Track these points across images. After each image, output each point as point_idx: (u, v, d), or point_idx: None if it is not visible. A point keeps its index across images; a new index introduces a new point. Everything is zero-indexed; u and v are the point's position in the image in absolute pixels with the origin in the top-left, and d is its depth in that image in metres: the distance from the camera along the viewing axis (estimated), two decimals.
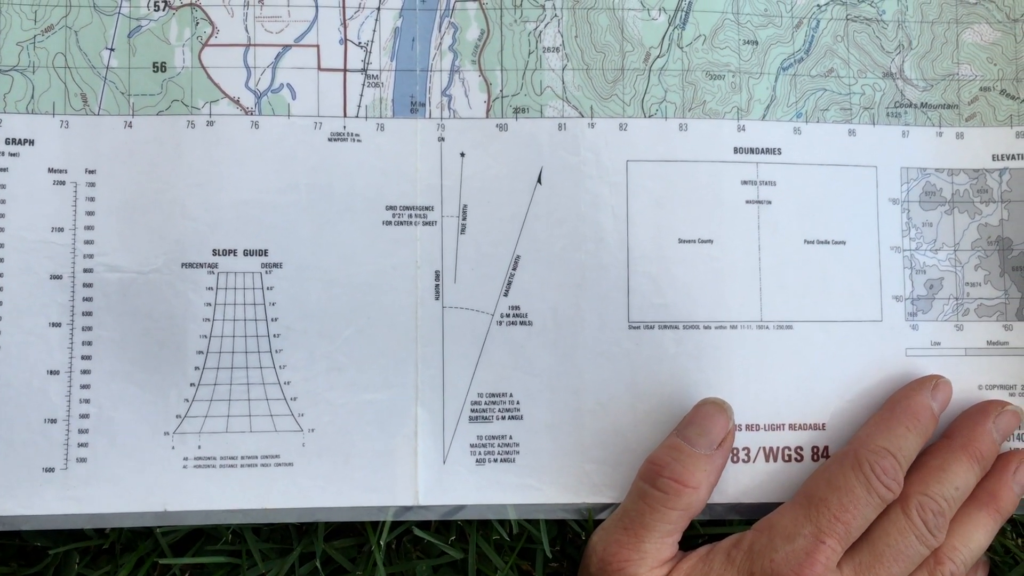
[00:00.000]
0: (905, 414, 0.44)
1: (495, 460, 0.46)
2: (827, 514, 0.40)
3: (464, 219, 0.47)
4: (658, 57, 0.47)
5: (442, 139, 0.47)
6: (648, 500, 0.41)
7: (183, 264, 0.46)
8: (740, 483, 0.46)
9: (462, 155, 0.47)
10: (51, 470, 0.45)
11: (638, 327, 0.46)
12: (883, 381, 0.47)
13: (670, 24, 0.48)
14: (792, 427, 0.46)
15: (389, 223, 0.47)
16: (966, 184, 0.48)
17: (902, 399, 0.45)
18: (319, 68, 0.47)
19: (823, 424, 0.46)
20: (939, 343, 0.47)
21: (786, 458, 0.46)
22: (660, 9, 0.48)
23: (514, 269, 0.46)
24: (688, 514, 0.41)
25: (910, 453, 0.43)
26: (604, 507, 0.46)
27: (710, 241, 0.47)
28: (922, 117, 0.48)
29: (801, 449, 0.46)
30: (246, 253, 0.46)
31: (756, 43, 0.48)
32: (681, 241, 0.47)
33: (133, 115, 0.46)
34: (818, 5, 0.48)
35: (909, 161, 0.48)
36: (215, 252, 0.46)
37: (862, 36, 0.49)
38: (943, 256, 0.48)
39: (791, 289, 0.47)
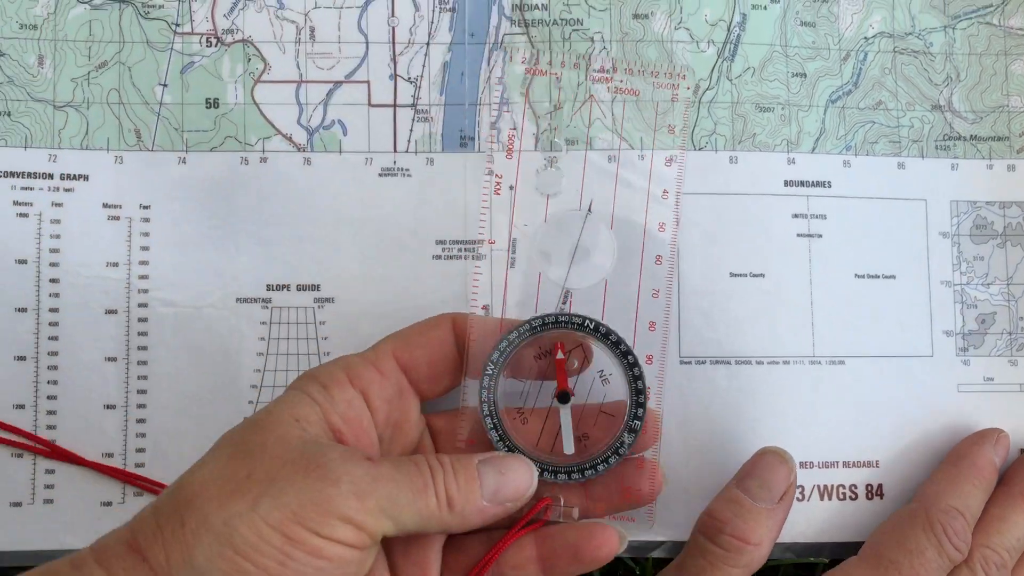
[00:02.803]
0: (972, 471, 0.43)
1: None
2: None
3: (513, 253, 0.47)
4: (707, 89, 0.48)
5: (491, 172, 0.47)
6: (708, 557, 0.40)
7: (237, 299, 0.47)
8: (795, 523, 0.45)
9: (511, 188, 0.47)
10: (108, 504, 0.46)
11: (689, 362, 0.46)
12: (935, 417, 0.47)
13: (719, 56, 0.48)
14: (846, 464, 0.46)
15: (439, 257, 0.47)
16: (1019, 217, 0.48)
17: (967, 454, 0.44)
18: (369, 104, 0.47)
19: (876, 461, 0.46)
20: (992, 378, 0.47)
21: (840, 496, 0.46)
22: (709, 41, 0.48)
23: (564, 303, 0.46)
24: (749, 570, 0.40)
25: (977, 511, 0.43)
26: (656, 545, 0.46)
27: (762, 275, 0.47)
28: (972, 150, 0.48)
29: (855, 487, 0.46)
30: (299, 288, 0.47)
31: (804, 75, 0.48)
32: (732, 275, 0.47)
33: (187, 151, 0.47)
34: (865, 38, 0.48)
35: (959, 194, 0.48)
36: (268, 287, 0.47)
37: (910, 68, 0.48)
38: (996, 290, 0.48)
39: (842, 324, 0.47)
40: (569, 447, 0.42)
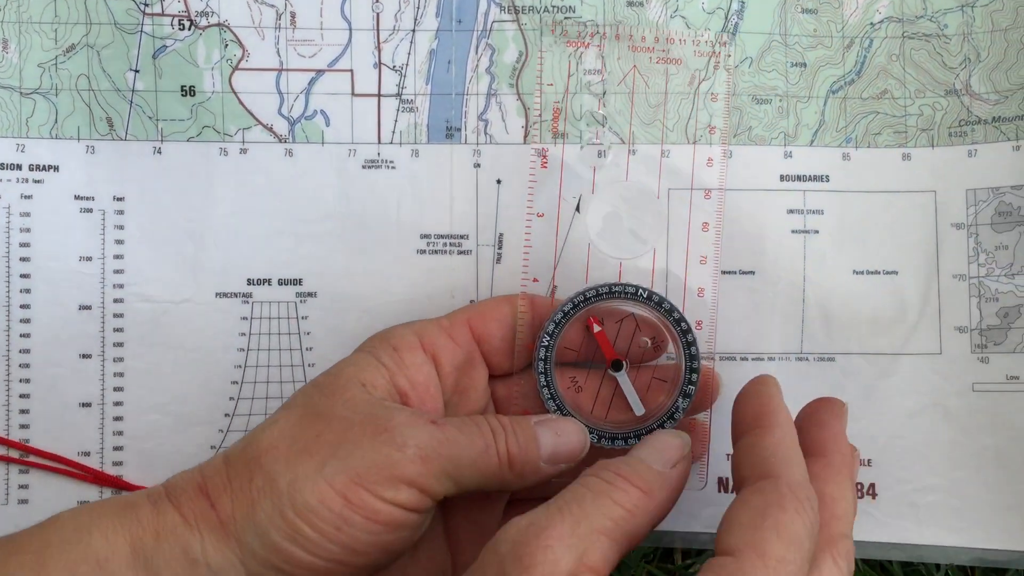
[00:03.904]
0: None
1: None
2: None
3: (500, 248, 0.45)
4: (703, 80, 0.46)
5: (478, 165, 0.46)
6: (591, 487, 0.35)
7: (217, 294, 0.45)
8: None
9: (498, 182, 0.45)
10: (85, 502, 0.45)
11: (712, 359, 0.45)
12: (943, 416, 0.45)
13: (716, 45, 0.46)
14: None
15: (424, 252, 0.46)
16: None
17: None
18: (353, 93, 0.46)
19: (868, 460, 0.45)
20: (1017, 377, 0.45)
21: None
22: (706, 30, 0.46)
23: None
24: (634, 521, 0.35)
25: None
26: None
27: (751, 272, 0.46)
28: (994, 133, 0.46)
29: None
30: (280, 282, 0.46)
31: (804, 65, 0.46)
32: (722, 272, 0.45)
33: (162, 140, 0.45)
34: (871, 24, 0.46)
35: (977, 182, 0.46)
36: (249, 282, 0.46)
37: (920, 54, 0.46)
38: (1022, 281, 0.45)
39: (836, 321, 0.46)
40: (639, 408, 0.42)
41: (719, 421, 0.45)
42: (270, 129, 0.45)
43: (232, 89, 0.45)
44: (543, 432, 0.39)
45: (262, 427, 0.37)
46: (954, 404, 0.45)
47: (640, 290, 0.42)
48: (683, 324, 0.42)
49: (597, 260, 0.44)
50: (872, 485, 0.45)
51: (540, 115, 0.45)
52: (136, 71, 0.45)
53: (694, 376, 0.42)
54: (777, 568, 0.31)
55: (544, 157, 0.45)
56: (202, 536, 0.35)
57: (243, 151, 0.45)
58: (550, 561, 0.31)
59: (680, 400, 0.42)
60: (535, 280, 0.44)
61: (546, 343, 0.42)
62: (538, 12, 0.45)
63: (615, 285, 0.42)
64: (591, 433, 0.41)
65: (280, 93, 0.45)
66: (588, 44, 0.45)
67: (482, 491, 0.38)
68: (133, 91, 0.45)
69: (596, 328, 0.42)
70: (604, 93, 0.45)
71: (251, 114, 0.45)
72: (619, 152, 0.45)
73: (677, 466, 0.37)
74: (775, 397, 0.38)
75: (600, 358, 0.43)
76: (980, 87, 0.46)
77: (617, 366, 0.42)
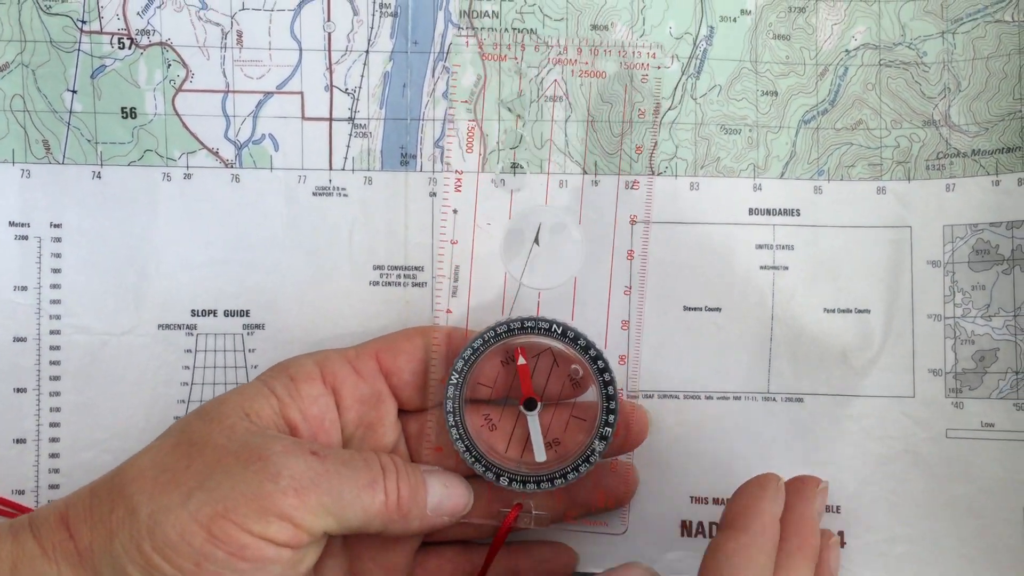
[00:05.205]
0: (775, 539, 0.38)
1: None
2: None
3: (455, 281, 0.43)
4: (669, 109, 0.44)
5: (433, 194, 0.44)
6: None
7: (159, 325, 0.44)
8: None
9: (455, 212, 0.43)
10: None
11: (636, 396, 0.43)
12: (916, 463, 0.43)
13: (683, 73, 0.44)
14: None
15: (377, 284, 0.44)
16: None
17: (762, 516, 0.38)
18: (303, 117, 0.44)
19: (837, 507, 0.44)
20: (992, 424, 0.43)
21: None
22: (673, 56, 0.44)
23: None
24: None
25: None
26: None
27: (718, 309, 0.44)
28: (973, 166, 0.44)
29: None
30: (227, 314, 0.44)
31: (776, 94, 0.44)
32: (687, 308, 0.44)
33: (102, 165, 0.43)
34: (847, 51, 0.44)
35: (954, 218, 0.44)
36: (194, 313, 0.44)
37: (898, 83, 0.44)
38: (999, 323, 0.43)
39: (804, 361, 0.44)
40: (540, 455, 0.40)
41: (679, 462, 0.44)
42: (216, 153, 0.43)
43: (175, 111, 0.43)
44: (432, 481, 0.38)
45: (134, 456, 0.36)
46: (926, 451, 0.43)
47: (554, 325, 0.40)
48: (600, 362, 0.40)
49: (514, 291, 0.42)
50: (841, 533, 0.44)
51: (499, 143, 0.44)
52: (74, 92, 0.43)
53: (611, 417, 0.40)
54: None
55: (459, 181, 0.43)
56: (59, 567, 0.34)
57: (187, 176, 0.43)
58: None
59: (597, 443, 0.40)
60: (449, 311, 0.42)
61: (455, 380, 0.40)
62: (497, 32, 0.43)
63: (528, 320, 0.40)
64: (502, 476, 0.40)
65: (226, 116, 0.43)
66: (505, 57, 0.43)
67: (367, 533, 0.37)
68: (71, 112, 0.43)
69: (521, 361, 0.41)
70: (567, 119, 0.43)
71: (196, 138, 0.43)
72: (538, 178, 0.43)
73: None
74: (761, 500, 0.37)
75: (516, 395, 0.41)
76: (960, 118, 0.44)
77: (530, 405, 0.40)
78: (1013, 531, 0.43)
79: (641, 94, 0.43)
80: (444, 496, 0.38)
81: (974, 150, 0.44)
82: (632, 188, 0.43)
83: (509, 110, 0.43)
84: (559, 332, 0.40)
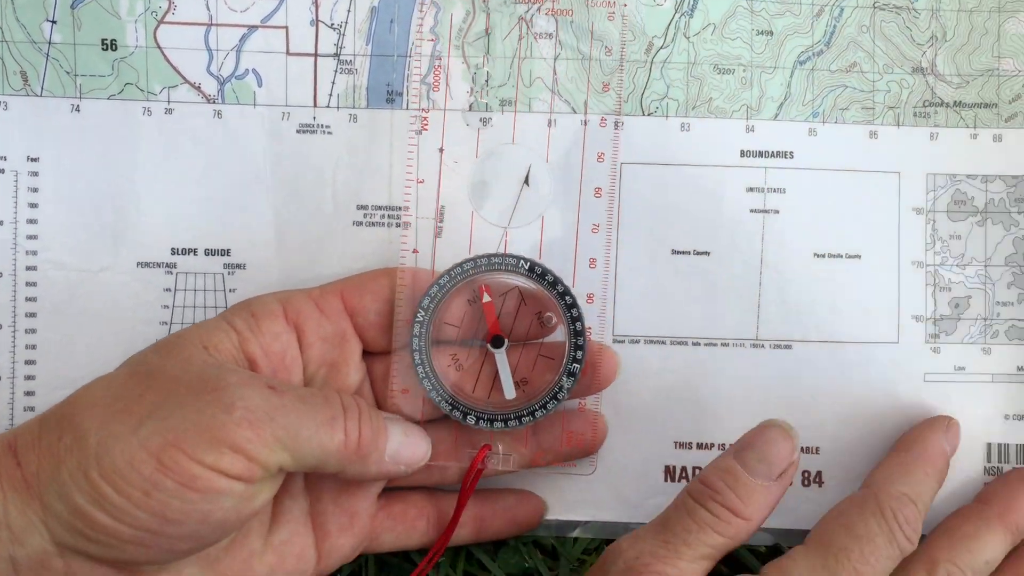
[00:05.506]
0: (923, 458, 0.40)
1: None
2: (848, 565, 0.37)
3: (441, 222, 0.43)
4: (661, 48, 0.43)
5: (419, 132, 0.43)
6: (697, 520, 0.37)
7: (138, 263, 0.43)
8: None
9: (440, 151, 0.43)
10: None
11: (622, 341, 0.43)
12: (897, 407, 0.43)
13: (676, 11, 0.43)
14: None
15: (360, 224, 0.43)
16: (1002, 192, 0.44)
17: (917, 441, 0.41)
18: (288, 52, 0.43)
19: (816, 448, 0.43)
20: (964, 367, 0.43)
21: None
22: None
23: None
24: (736, 542, 0.37)
25: (929, 500, 0.40)
26: (576, 524, 0.43)
27: (707, 253, 0.43)
28: (955, 117, 0.44)
29: None
30: (207, 253, 0.43)
31: (771, 34, 0.43)
32: (675, 252, 0.43)
33: (81, 98, 0.42)
34: None
35: (937, 167, 0.44)
36: (174, 251, 0.43)
37: (890, 27, 0.44)
38: (972, 272, 0.43)
39: (794, 307, 0.43)
40: (510, 392, 0.40)
41: (664, 408, 0.43)
42: (198, 88, 0.43)
43: (157, 44, 0.42)
44: (393, 428, 0.38)
45: (85, 386, 0.35)
46: (906, 394, 0.43)
47: (521, 261, 0.40)
48: (568, 297, 0.40)
49: (481, 229, 0.42)
50: (819, 473, 0.43)
51: (487, 81, 0.43)
52: (53, 22, 0.42)
53: (579, 353, 0.39)
54: (839, 556, 0.36)
55: (425, 119, 0.42)
56: (4, 494, 0.33)
57: (168, 111, 0.43)
58: None
59: (564, 379, 0.39)
60: (415, 251, 0.41)
61: (421, 318, 0.39)
62: None
63: (495, 256, 0.40)
64: (470, 415, 0.39)
65: (209, 50, 0.43)
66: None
67: (323, 472, 0.36)
68: (50, 43, 0.42)
69: (486, 298, 0.40)
70: (556, 58, 0.43)
71: (177, 71, 0.42)
72: (506, 115, 0.43)
73: (784, 474, 0.37)
74: (933, 432, 0.41)
75: (483, 335, 0.40)
76: (944, 68, 0.44)
77: (497, 342, 0.40)
78: (974, 463, 0.44)
79: (632, 31, 0.42)
80: (403, 444, 0.38)
81: (956, 101, 0.44)
82: (600, 126, 0.42)
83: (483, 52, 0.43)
84: (526, 268, 0.40)
